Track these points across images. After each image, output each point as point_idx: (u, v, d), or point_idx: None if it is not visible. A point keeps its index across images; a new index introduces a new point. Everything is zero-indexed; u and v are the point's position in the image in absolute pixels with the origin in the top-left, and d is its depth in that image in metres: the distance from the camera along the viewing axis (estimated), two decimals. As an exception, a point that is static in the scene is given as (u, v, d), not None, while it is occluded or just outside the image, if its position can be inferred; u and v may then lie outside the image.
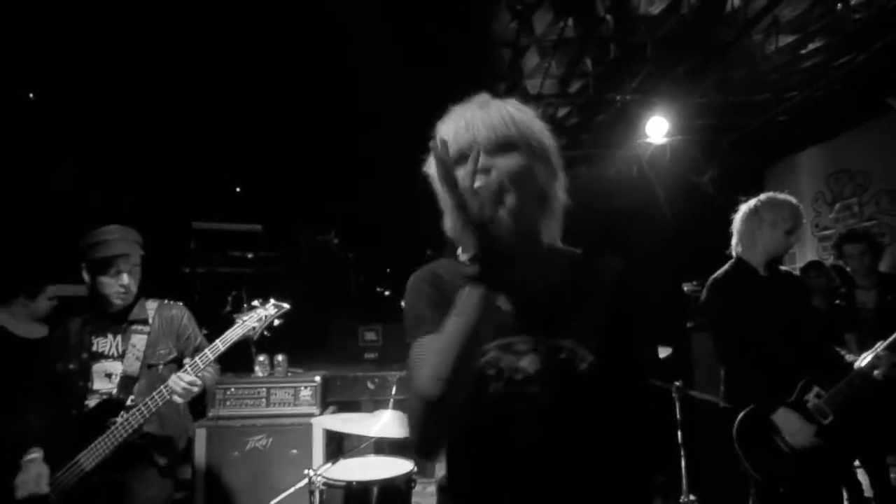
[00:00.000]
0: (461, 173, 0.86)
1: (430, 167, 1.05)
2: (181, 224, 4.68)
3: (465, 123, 1.00)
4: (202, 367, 2.12)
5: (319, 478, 2.41)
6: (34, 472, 2.00)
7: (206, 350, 2.14)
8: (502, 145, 0.98)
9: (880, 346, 2.32)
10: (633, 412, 1.07)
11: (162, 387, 2.07)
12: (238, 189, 5.72)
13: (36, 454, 2.04)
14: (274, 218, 5.23)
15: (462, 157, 0.96)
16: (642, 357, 1.12)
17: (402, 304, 1.09)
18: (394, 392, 2.67)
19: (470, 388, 0.94)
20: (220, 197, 5.52)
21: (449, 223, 1.04)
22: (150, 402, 2.06)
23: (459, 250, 1.13)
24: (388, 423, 2.50)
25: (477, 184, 0.88)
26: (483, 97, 1.05)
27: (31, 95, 3.80)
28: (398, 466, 2.54)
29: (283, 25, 3.58)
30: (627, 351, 1.06)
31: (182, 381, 2.06)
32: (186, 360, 2.18)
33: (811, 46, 3.97)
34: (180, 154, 4.85)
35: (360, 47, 3.79)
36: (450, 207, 1.00)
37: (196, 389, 2.09)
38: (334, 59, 3.94)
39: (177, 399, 2.06)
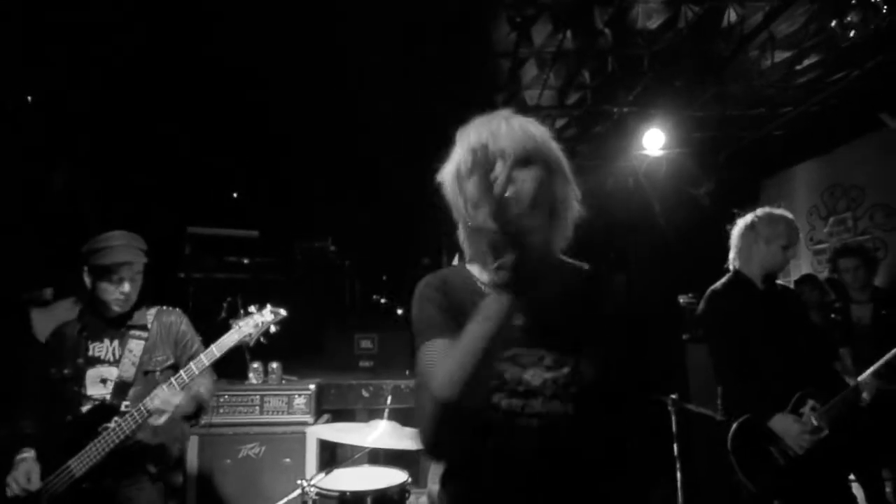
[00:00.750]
0: (495, 181, 0.88)
1: (445, 176, 1.09)
2: (177, 228, 4.66)
3: (492, 134, 1.03)
4: (187, 379, 2.07)
5: (313, 488, 2.39)
6: (24, 468, 1.98)
7: (201, 355, 2.12)
8: (525, 159, 1.02)
9: (879, 363, 2.32)
10: (632, 428, 1.09)
11: (140, 405, 2.03)
12: (235, 195, 5.71)
13: (27, 454, 2.02)
14: (271, 224, 5.22)
15: (482, 166, 0.98)
16: (646, 375, 1.15)
17: (411, 308, 1.11)
18: (389, 401, 2.65)
19: (486, 393, 0.97)
20: (218, 202, 5.51)
21: (464, 233, 1.08)
22: (135, 414, 2.02)
23: (466, 260, 1.15)
24: (382, 433, 2.48)
25: (508, 193, 0.89)
26: (506, 112, 1.10)
27: (28, 99, 3.79)
28: (392, 477, 2.52)
29: (283, 34, 3.59)
30: (631, 369, 1.08)
31: (157, 399, 2.01)
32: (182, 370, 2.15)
33: (806, 62, 4.02)
34: (177, 158, 4.85)
35: (360, 56, 3.81)
36: (466, 217, 1.04)
37: (171, 409, 2.01)
38: (335, 68, 3.96)
39: (155, 420, 2.00)
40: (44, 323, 3.07)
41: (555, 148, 1.09)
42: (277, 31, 3.57)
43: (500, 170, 0.88)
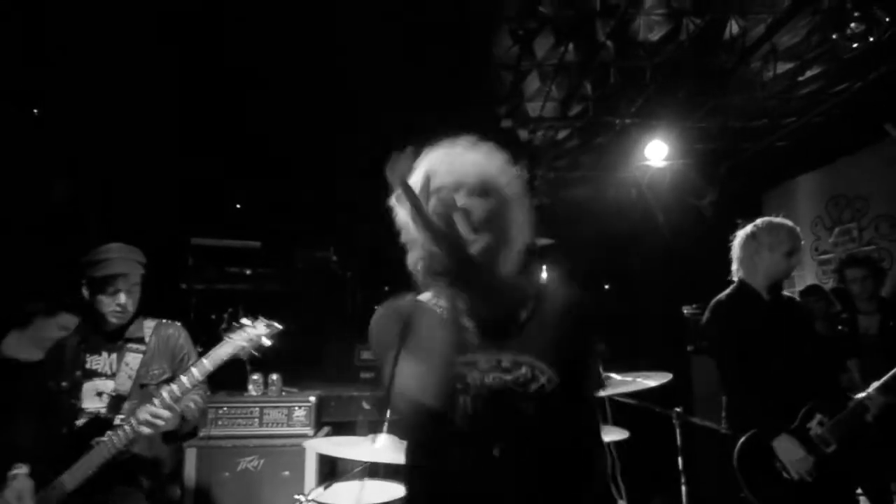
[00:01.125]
0: (450, 201, 1.02)
1: (398, 200, 1.15)
2: (179, 240, 4.66)
3: (453, 162, 1.13)
4: (179, 394, 2.04)
5: (311, 503, 2.35)
6: (17, 487, 1.95)
7: (193, 369, 2.09)
8: (483, 189, 1.12)
9: (886, 378, 2.28)
10: (586, 425, 1.20)
11: (131, 418, 2.01)
12: (238, 206, 5.72)
13: (21, 470, 2.00)
14: (273, 234, 5.22)
15: (439, 191, 1.09)
16: (593, 375, 1.25)
17: (369, 336, 1.19)
18: (388, 414, 2.63)
19: (452, 393, 1.06)
20: (220, 213, 5.52)
21: (413, 257, 1.15)
22: (121, 434, 2.00)
23: (419, 289, 1.21)
24: (381, 447, 2.45)
25: (456, 216, 1.03)
26: (471, 139, 1.19)
27: (35, 111, 3.82)
28: (391, 491, 2.48)
29: (282, 41, 3.61)
30: (580, 368, 1.16)
31: (145, 413, 1.99)
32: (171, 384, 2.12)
33: (809, 73, 4.02)
34: (179, 169, 4.86)
35: (362, 68, 3.83)
36: (416, 240, 1.11)
37: (161, 423, 2.00)
38: (337, 79, 3.98)
39: (145, 431, 1.99)
40: (17, 341, 3.05)
41: (511, 177, 1.17)
42: (278, 35, 3.58)
43: (449, 194, 1.03)
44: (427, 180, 1.07)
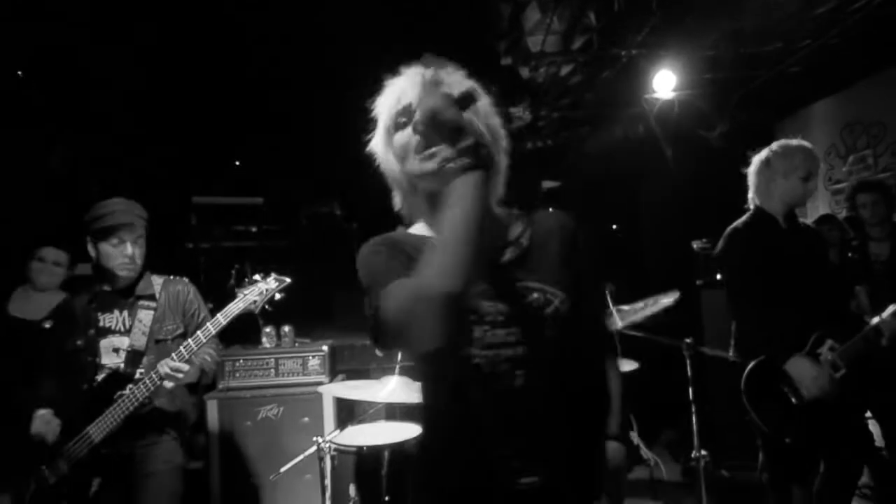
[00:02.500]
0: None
1: (375, 140, 1.12)
2: (182, 199, 4.64)
3: (419, 95, 1.05)
4: (195, 348, 2.09)
5: (330, 444, 2.43)
6: (45, 418, 2.06)
7: (208, 324, 2.14)
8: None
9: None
10: (602, 345, 1.22)
11: (152, 372, 2.06)
12: (238, 163, 5.65)
13: (45, 411, 2.09)
14: (276, 190, 5.18)
15: (399, 121, 1.07)
16: (599, 293, 1.24)
17: (359, 271, 1.08)
18: (400, 358, 2.67)
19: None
20: (221, 171, 5.46)
21: (400, 194, 1.13)
22: (142, 387, 2.05)
23: (407, 225, 1.18)
24: (395, 388, 2.50)
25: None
26: (430, 69, 1.10)
27: (18, 73, 3.71)
28: (408, 431, 2.55)
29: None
30: (587, 290, 1.16)
31: (166, 367, 2.04)
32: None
33: (826, -10, 3.78)
34: (178, 129, 4.78)
35: (357, 12, 3.66)
36: (400, 172, 1.08)
37: (181, 376, 2.05)
38: (331, 23, 3.82)
39: (167, 384, 2.04)
40: (22, 299, 3.09)
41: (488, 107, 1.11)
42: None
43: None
44: (406, 109, 1.04)
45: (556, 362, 1.07)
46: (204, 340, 2.11)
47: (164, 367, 2.04)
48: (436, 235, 0.93)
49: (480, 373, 1.03)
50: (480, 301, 1.05)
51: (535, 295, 1.08)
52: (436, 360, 1.06)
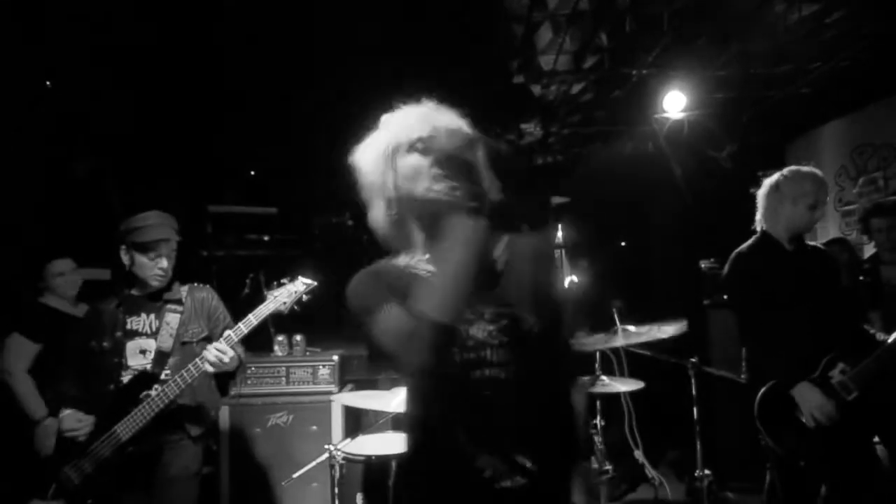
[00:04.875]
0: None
1: (366, 156, 1.18)
2: (197, 208, 4.73)
3: (425, 118, 1.14)
4: (235, 339, 2.19)
5: (339, 452, 2.47)
6: (73, 415, 2.14)
7: (240, 324, 2.22)
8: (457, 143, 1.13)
9: None
10: (569, 369, 1.28)
11: (197, 359, 2.15)
12: (252, 172, 5.75)
13: (71, 410, 2.16)
14: (289, 200, 5.26)
15: (415, 147, 1.11)
16: (569, 320, 1.28)
17: (348, 303, 1.18)
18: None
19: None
20: (235, 180, 5.56)
21: (379, 217, 1.17)
22: (185, 374, 2.13)
23: (390, 255, 1.23)
24: (404, 399, 2.54)
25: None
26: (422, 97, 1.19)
27: (48, 83, 3.83)
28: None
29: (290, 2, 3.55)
30: (557, 314, 1.22)
31: (214, 350, 2.12)
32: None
33: (836, 15, 3.82)
34: (195, 138, 4.88)
35: (375, 29, 3.75)
36: (396, 192, 1.13)
37: (227, 359, 2.14)
38: (347, 39, 3.91)
39: (208, 368, 2.13)
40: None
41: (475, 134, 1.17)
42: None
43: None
44: (420, 138, 1.10)
45: (526, 381, 1.13)
46: (245, 331, 2.21)
47: (211, 350, 2.13)
48: (433, 271, 1.05)
49: (459, 387, 1.12)
50: (458, 324, 1.11)
51: (506, 321, 1.14)
52: (422, 377, 1.14)
